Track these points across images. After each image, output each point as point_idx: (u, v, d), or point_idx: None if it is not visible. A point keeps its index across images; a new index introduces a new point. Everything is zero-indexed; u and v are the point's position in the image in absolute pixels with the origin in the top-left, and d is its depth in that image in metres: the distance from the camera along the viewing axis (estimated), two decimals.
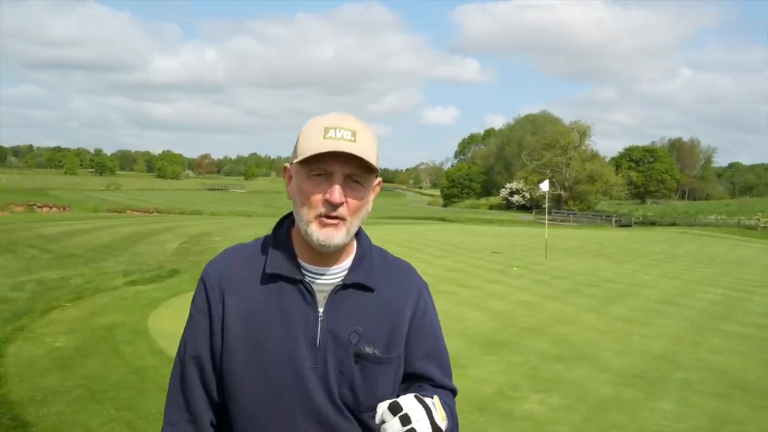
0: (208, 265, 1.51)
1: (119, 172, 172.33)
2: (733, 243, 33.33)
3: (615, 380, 6.67)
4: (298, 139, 1.42)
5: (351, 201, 1.38)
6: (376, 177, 1.46)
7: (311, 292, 1.43)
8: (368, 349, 1.42)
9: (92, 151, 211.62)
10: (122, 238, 22.22)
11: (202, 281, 1.48)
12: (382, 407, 1.28)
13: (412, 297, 1.53)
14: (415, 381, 1.52)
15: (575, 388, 6.36)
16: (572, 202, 74.76)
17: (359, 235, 1.53)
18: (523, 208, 76.09)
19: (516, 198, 79.58)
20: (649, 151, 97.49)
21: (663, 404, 5.94)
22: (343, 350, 1.41)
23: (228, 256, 1.52)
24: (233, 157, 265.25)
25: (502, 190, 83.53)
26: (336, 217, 1.37)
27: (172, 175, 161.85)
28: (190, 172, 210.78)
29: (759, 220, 50.48)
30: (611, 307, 11.17)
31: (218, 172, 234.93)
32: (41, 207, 44.52)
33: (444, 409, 1.34)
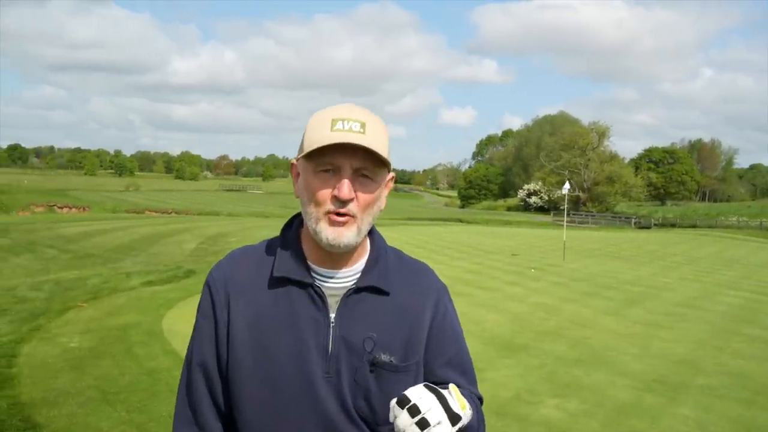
0: (214, 268, 1.43)
1: (138, 173, 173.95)
2: (756, 245, 32.79)
3: (635, 385, 6.52)
4: (304, 133, 1.33)
5: (361, 197, 1.29)
6: (389, 172, 1.37)
7: (322, 297, 1.34)
8: (384, 357, 1.32)
9: (112, 152, 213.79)
10: (140, 239, 22.37)
11: (207, 285, 1.40)
12: (392, 403, 1.20)
13: (431, 300, 1.43)
14: None
15: (594, 393, 6.23)
16: (591, 204, 74.14)
17: (373, 235, 1.44)
18: (541, 209, 75.60)
19: (534, 199, 79.12)
20: (669, 152, 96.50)
21: (684, 410, 5.79)
22: (357, 358, 1.32)
23: (234, 259, 1.44)
24: (251, 158, 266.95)
25: (520, 191, 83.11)
26: (346, 215, 1.29)
27: (191, 176, 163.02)
28: (209, 173, 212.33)
29: None
30: (630, 310, 10.98)
31: (236, 173, 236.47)
32: (61, 208, 45.02)
33: (464, 397, 1.24)
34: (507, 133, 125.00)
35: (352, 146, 1.26)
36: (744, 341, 8.86)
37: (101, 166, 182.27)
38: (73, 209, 45.11)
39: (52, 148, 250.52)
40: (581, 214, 64.57)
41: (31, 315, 8.64)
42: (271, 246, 1.43)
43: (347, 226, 1.29)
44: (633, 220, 58.72)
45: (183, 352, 6.38)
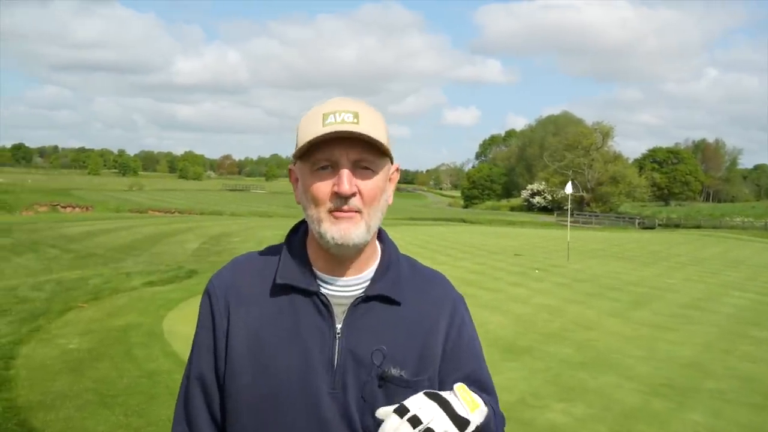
0: (214, 275, 1.34)
1: (142, 172, 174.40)
2: (761, 246, 32.58)
3: (642, 389, 6.41)
4: (297, 134, 1.24)
5: (364, 190, 1.20)
6: (391, 162, 1.27)
7: (327, 306, 1.25)
8: (394, 371, 1.22)
9: (116, 151, 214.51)
10: (143, 239, 22.34)
11: (207, 293, 1.32)
12: (386, 412, 1.09)
13: (446, 311, 1.33)
14: None
15: (600, 396, 6.12)
16: (594, 204, 73.96)
17: (383, 240, 1.35)
18: (545, 209, 75.45)
19: (537, 199, 78.97)
20: (673, 153, 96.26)
21: (694, 415, 5.68)
22: (365, 372, 1.22)
23: (235, 266, 1.34)
24: (254, 158, 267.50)
25: (524, 191, 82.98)
26: (350, 211, 1.20)
27: (194, 176, 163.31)
28: (212, 173, 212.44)
29: None
30: (636, 312, 10.87)
31: (239, 172, 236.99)
32: (65, 207, 45.11)
33: (475, 395, 1.13)
34: (510, 133, 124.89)
35: (347, 137, 1.17)
36: (752, 344, 8.74)
37: (105, 165, 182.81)
38: (77, 209, 45.19)
39: (56, 147, 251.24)
40: (585, 215, 64.38)
41: (31, 315, 8.57)
42: (275, 252, 1.34)
43: (354, 223, 1.20)
44: (637, 221, 58.48)
45: (184, 353, 6.28)
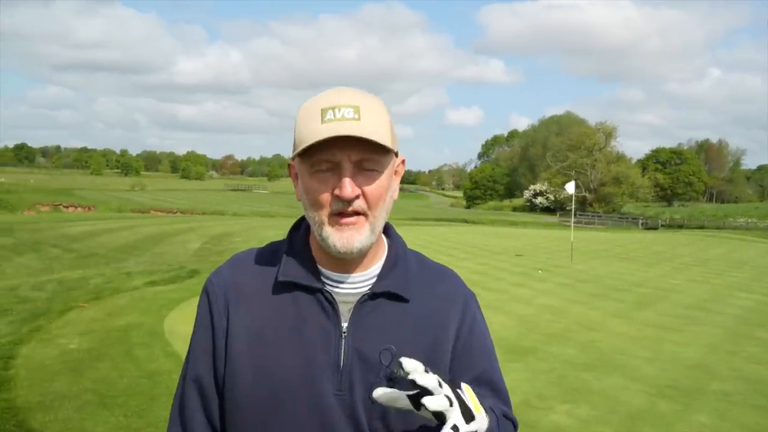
0: (213, 273, 1.28)
1: (144, 172, 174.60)
2: (765, 247, 32.43)
3: (648, 390, 6.34)
4: (294, 129, 1.17)
5: (368, 191, 1.14)
6: (396, 156, 1.21)
7: (332, 303, 1.19)
8: (403, 372, 1.17)
9: (118, 151, 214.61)
10: (145, 238, 22.33)
11: (205, 291, 1.26)
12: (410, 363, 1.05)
13: (457, 309, 1.27)
14: None
15: (605, 398, 6.06)
16: (597, 204, 73.87)
17: (390, 234, 1.29)
18: (547, 210, 75.40)
19: (540, 200, 78.91)
20: (676, 153, 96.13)
21: (700, 417, 5.61)
22: (372, 373, 1.17)
23: (236, 263, 1.29)
24: (257, 158, 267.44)
25: (526, 191, 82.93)
26: (354, 214, 1.13)
27: (196, 176, 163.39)
28: (214, 173, 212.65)
29: None
30: (640, 313, 10.80)
31: (242, 173, 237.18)
32: (67, 207, 45.15)
33: (480, 404, 1.11)
34: (513, 134, 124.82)
35: (349, 137, 1.10)
36: (758, 345, 8.66)
37: (107, 165, 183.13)
38: (79, 209, 45.23)
39: (58, 147, 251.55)
40: (588, 215, 64.29)
41: (31, 315, 8.54)
42: (277, 249, 1.28)
43: (358, 229, 1.14)
44: (640, 221, 58.35)
45: (184, 354, 6.28)
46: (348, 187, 1.11)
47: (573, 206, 23.43)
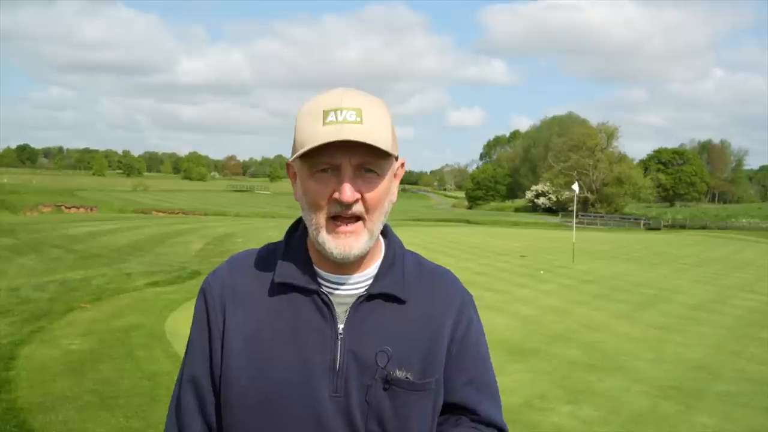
0: (210, 274, 1.27)
1: (146, 173, 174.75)
2: None
3: (650, 392, 6.32)
4: (295, 128, 1.15)
5: (367, 195, 1.13)
6: (396, 159, 1.19)
7: (329, 305, 1.18)
8: (399, 374, 1.15)
9: (120, 152, 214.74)
10: (146, 239, 22.30)
11: (202, 292, 1.25)
12: None
13: (453, 310, 1.26)
14: (455, 413, 1.25)
15: (608, 399, 6.03)
16: (599, 205, 73.74)
17: (387, 235, 1.27)
18: (549, 210, 75.28)
19: (542, 200, 78.78)
20: (679, 154, 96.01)
21: (703, 419, 5.58)
22: (368, 375, 1.16)
23: (232, 265, 1.27)
24: (259, 158, 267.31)
25: (528, 192, 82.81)
26: (352, 218, 1.12)
27: (198, 177, 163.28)
28: (216, 174, 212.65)
29: None
30: (643, 314, 10.77)
31: (244, 173, 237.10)
32: (69, 208, 45.13)
33: None
34: (515, 134, 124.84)
35: (350, 141, 1.08)
36: (761, 346, 8.63)
37: (110, 166, 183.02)
38: (81, 209, 45.23)
39: (60, 148, 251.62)
40: (590, 216, 64.18)
41: (33, 316, 8.53)
42: (274, 250, 1.27)
43: (356, 235, 1.13)
44: (642, 222, 58.21)
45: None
46: (348, 191, 1.10)
47: (575, 207, 23.42)
